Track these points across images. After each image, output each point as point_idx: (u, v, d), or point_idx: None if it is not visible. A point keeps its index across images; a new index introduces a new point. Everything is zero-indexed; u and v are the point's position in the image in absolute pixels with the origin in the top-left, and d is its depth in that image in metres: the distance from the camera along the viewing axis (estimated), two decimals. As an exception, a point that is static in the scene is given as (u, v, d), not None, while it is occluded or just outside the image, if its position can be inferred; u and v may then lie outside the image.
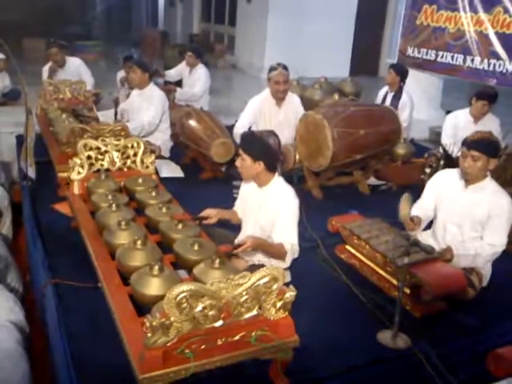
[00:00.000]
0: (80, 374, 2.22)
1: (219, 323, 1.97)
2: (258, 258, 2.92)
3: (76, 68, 6.49)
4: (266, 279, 2.00)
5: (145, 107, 5.05)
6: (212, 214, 2.91)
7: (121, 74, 6.58)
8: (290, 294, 2.07)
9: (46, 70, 6.44)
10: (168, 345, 1.89)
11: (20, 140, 5.13)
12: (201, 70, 6.50)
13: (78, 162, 3.40)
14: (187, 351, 1.93)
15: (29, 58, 11.14)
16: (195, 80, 6.48)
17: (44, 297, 2.83)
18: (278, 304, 2.06)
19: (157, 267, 2.17)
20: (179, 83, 6.77)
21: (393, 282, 3.01)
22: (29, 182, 4.04)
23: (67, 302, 2.74)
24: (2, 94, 6.95)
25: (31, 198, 3.98)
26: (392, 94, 5.65)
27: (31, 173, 3.98)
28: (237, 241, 2.83)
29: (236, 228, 3.16)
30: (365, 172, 4.84)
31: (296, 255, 2.83)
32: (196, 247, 2.44)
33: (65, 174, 3.57)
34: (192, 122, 4.77)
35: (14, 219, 3.87)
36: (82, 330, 2.52)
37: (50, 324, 2.61)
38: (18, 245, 3.57)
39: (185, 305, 1.86)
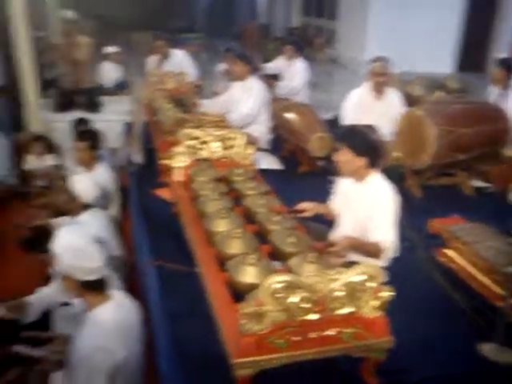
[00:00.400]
0: (181, 355, 2.32)
1: (313, 316, 1.97)
2: (352, 256, 2.87)
3: (179, 60, 6.66)
4: (362, 276, 1.98)
5: (244, 99, 5.10)
6: (308, 208, 2.90)
7: (221, 66, 6.72)
8: (387, 293, 2.02)
9: (150, 61, 6.69)
10: (261, 333, 1.91)
11: (128, 127, 5.44)
12: (299, 64, 6.49)
13: (180, 150, 3.53)
14: (280, 341, 1.94)
15: (136, 50, 11.79)
16: (294, 73, 6.47)
17: (146, 278, 2.99)
18: (374, 303, 2.03)
19: (254, 256, 2.20)
20: (276, 76, 6.81)
21: (496, 291, 2.83)
22: (135, 167, 4.25)
23: (168, 284, 2.85)
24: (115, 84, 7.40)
25: (137, 183, 4.18)
26: (501, 91, 5.28)
27: (137, 159, 4.19)
28: (332, 237, 2.80)
29: (330, 223, 3.12)
30: (469, 173, 4.59)
31: (395, 254, 2.75)
32: (292, 240, 2.44)
33: (167, 161, 3.72)
34: (291, 116, 4.79)
35: (122, 202, 4.10)
36: (180, 312, 2.62)
37: (151, 305, 2.74)
38: (125, 226, 3.79)
39: (280, 295, 1.88)
